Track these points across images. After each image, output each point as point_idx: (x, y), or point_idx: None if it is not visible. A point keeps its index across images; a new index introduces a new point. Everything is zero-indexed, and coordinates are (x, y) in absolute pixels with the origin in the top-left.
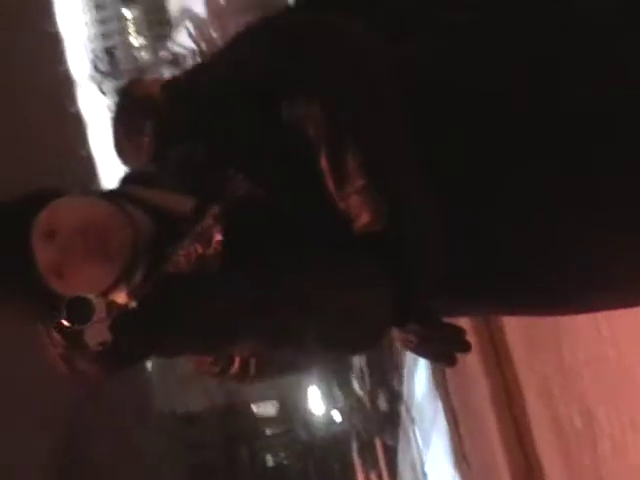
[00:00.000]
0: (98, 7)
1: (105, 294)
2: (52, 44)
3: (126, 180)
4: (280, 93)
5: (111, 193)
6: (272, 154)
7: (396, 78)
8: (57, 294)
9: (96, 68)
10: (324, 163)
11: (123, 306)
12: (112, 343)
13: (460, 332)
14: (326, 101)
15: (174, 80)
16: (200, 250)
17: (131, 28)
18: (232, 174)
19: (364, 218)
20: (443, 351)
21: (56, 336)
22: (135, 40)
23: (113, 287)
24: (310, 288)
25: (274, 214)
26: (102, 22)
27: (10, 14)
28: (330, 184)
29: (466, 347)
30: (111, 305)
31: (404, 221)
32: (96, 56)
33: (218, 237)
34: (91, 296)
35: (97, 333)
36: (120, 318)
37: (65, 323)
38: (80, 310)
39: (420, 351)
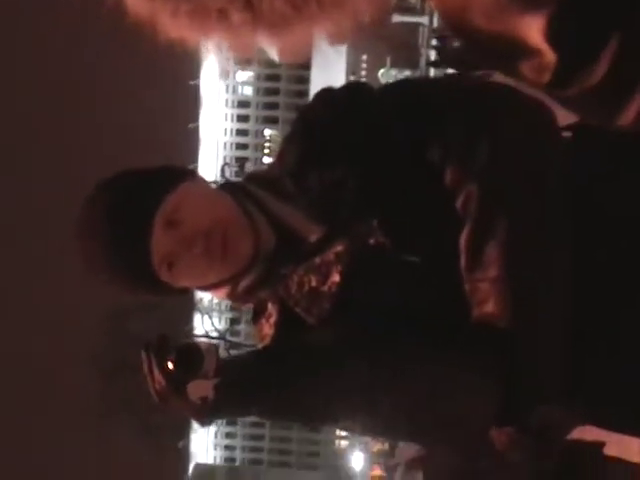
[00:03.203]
0: (240, 118)
1: (206, 289)
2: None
3: (259, 181)
4: (436, 147)
5: (241, 190)
6: (413, 214)
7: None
8: (158, 279)
9: (222, 174)
10: (464, 241)
11: (232, 364)
12: (213, 402)
13: (558, 451)
14: (489, 180)
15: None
16: (314, 283)
17: (267, 145)
18: (369, 218)
19: (488, 307)
20: (530, 462)
21: (158, 374)
22: (268, 158)
23: (216, 286)
24: (418, 388)
25: (394, 272)
26: (242, 133)
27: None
28: (462, 262)
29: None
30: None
31: (529, 325)
32: (226, 163)
33: (336, 278)
34: (204, 347)
35: (201, 387)
36: (227, 380)
37: (171, 366)
38: (190, 358)
39: (507, 451)
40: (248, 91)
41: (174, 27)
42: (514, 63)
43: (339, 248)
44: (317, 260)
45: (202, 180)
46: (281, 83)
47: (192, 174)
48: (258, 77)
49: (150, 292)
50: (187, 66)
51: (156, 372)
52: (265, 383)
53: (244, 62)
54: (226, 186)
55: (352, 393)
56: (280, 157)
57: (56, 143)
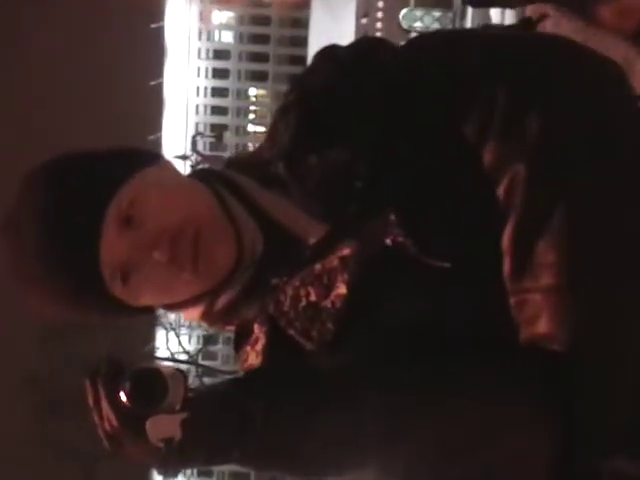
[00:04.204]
0: (217, 72)
1: (173, 308)
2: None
3: (242, 167)
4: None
5: (218, 178)
6: (441, 206)
7: None
8: (110, 295)
9: (193, 147)
10: (507, 238)
11: (204, 396)
12: (180, 445)
13: None
14: (542, 158)
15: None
16: (314, 297)
17: (252, 109)
18: (384, 213)
19: (541, 327)
20: None
21: (108, 410)
22: (253, 126)
23: (187, 303)
24: (451, 431)
25: (417, 282)
26: (219, 92)
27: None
28: (505, 267)
29: None
30: (186, 392)
31: (598, 352)
32: (199, 133)
33: (342, 289)
34: (167, 373)
35: (164, 425)
36: (198, 415)
37: (124, 398)
38: (149, 387)
39: None
40: (228, 37)
41: None
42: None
43: (345, 251)
44: (317, 267)
45: (168, 166)
46: (271, 27)
47: (155, 158)
48: (241, 19)
49: (99, 313)
50: (147, 3)
51: (105, 407)
52: (249, 420)
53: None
54: (199, 173)
55: (365, 438)
56: (270, 135)
57: None
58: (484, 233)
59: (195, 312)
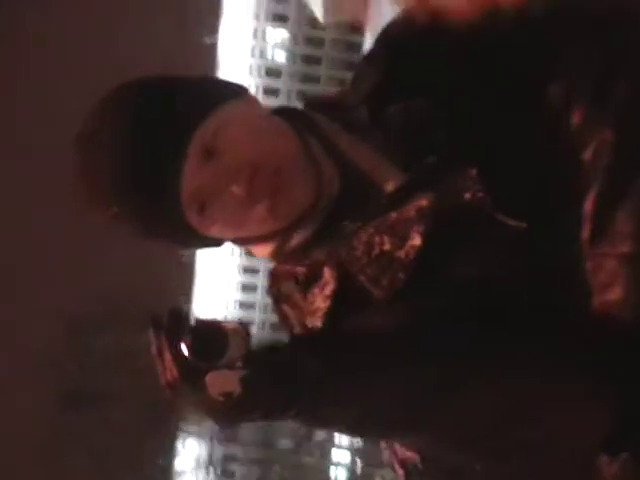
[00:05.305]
0: (268, 91)
1: (244, 242)
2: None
3: (325, 108)
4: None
5: (302, 118)
6: (526, 164)
7: None
8: (185, 222)
9: None
10: (590, 203)
11: (265, 352)
12: (239, 400)
13: None
14: (631, 124)
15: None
16: (387, 246)
17: None
18: (466, 165)
19: (614, 293)
20: None
21: (170, 361)
22: None
23: (259, 239)
24: (507, 398)
25: (493, 239)
26: None
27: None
28: (584, 232)
29: None
30: (248, 344)
31: None
32: None
33: (417, 240)
34: (229, 328)
35: (223, 380)
36: (258, 371)
37: (185, 351)
38: (210, 341)
39: None
40: (280, 57)
41: None
42: None
43: (423, 202)
44: (393, 216)
45: (254, 101)
46: (324, 49)
47: (242, 91)
48: (295, 39)
49: (170, 238)
50: (202, 18)
51: (167, 357)
52: (307, 379)
53: (278, 19)
54: (283, 111)
55: (417, 398)
56: (355, 81)
57: None
58: (565, 196)
59: (266, 249)
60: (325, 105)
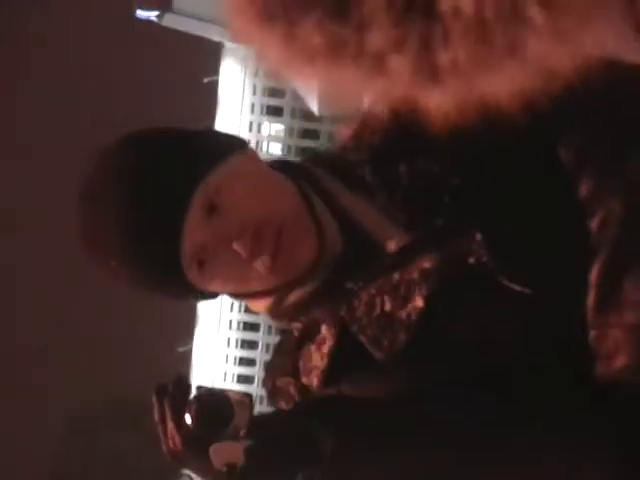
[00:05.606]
0: None
1: (242, 297)
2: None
3: (328, 164)
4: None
5: (304, 174)
6: (531, 230)
7: None
8: (184, 278)
9: None
10: (596, 272)
11: (269, 422)
12: (242, 470)
13: None
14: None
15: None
16: (389, 307)
17: None
18: (471, 230)
19: (619, 361)
20: None
21: (173, 430)
22: None
23: (257, 294)
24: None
25: (496, 304)
26: None
27: None
28: (590, 300)
29: None
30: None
31: None
32: None
33: (419, 303)
34: (234, 398)
35: (228, 451)
36: (262, 443)
37: (189, 420)
38: (215, 411)
39: None
40: (276, 149)
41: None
42: None
43: (426, 264)
44: (395, 277)
45: (255, 155)
46: (319, 141)
47: (242, 145)
48: (290, 131)
49: (168, 293)
50: (196, 111)
51: (171, 426)
52: (314, 449)
53: (273, 112)
54: (285, 166)
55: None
56: (356, 137)
57: None
58: (570, 263)
59: (262, 304)
60: (326, 161)
